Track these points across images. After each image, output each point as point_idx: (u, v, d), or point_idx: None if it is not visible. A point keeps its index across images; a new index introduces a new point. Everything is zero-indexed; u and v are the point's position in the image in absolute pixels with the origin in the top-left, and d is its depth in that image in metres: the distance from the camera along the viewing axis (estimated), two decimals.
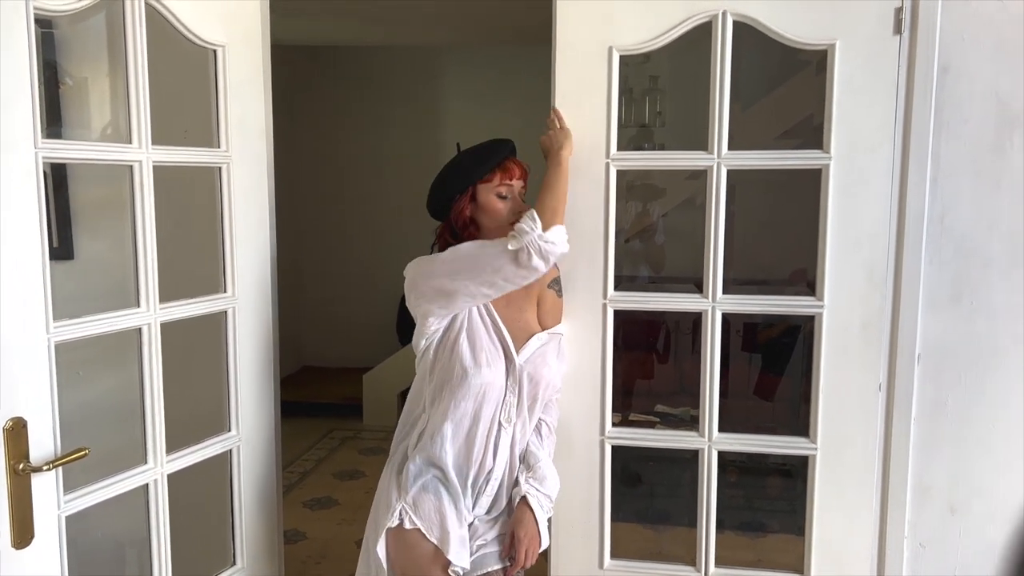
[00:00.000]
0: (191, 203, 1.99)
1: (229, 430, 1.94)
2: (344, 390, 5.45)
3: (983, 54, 1.72)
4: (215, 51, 1.84)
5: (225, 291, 1.91)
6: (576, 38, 1.85)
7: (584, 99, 1.85)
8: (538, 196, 1.73)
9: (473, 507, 1.76)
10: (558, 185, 1.74)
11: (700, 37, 1.81)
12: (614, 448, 1.94)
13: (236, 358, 1.93)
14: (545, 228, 1.64)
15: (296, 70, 5.66)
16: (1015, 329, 1.77)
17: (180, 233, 1.91)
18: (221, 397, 1.94)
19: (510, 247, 1.63)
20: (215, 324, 1.91)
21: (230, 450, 1.95)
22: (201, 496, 2.01)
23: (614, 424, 1.95)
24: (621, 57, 1.84)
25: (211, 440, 1.89)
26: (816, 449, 1.86)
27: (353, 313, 5.94)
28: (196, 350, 1.99)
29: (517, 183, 1.77)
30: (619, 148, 1.86)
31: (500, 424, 1.74)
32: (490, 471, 1.76)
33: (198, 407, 1.99)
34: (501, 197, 1.75)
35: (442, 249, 1.77)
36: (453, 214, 1.76)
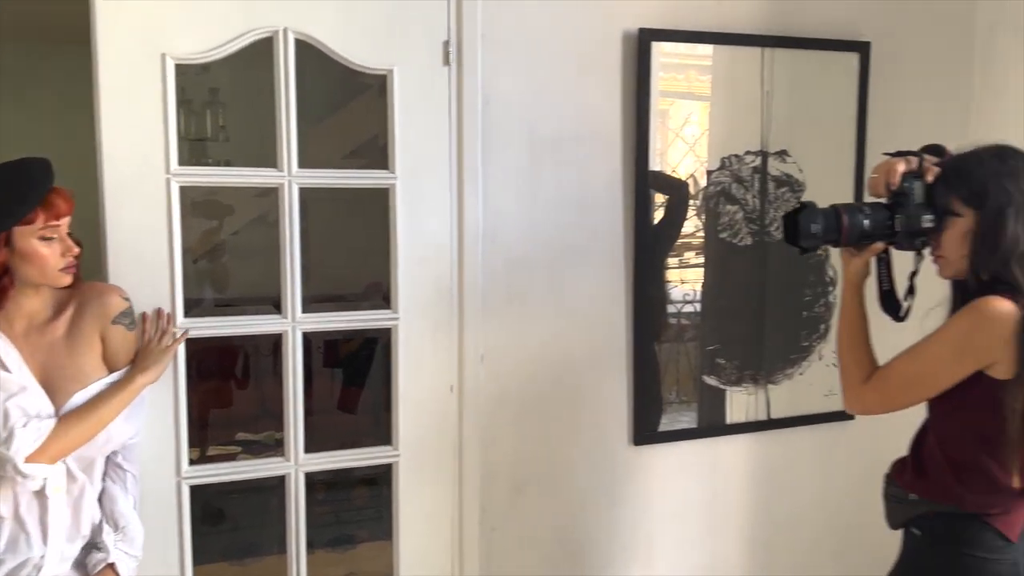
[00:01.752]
0: None
1: None
2: None
3: (517, 88, 1.97)
4: None
5: None
6: (122, 42, 1.66)
7: (135, 108, 1.68)
8: (82, 410, 1.47)
9: None
10: (109, 411, 1.49)
11: (264, 51, 1.77)
12: (193, 488, 1.79)
13: None
14: (39, 457, 1.41)
15: None
16: (555, 326, 2.06)
17: None
18: None
19: None
20: None
21: None
22: None
23: (192, 462, 1.80)
24: (177, 66, 1.71)
25: None
26: (399, 455, 1.94)
27: None
28: None
29: (65, 221, 1.47)
30: (180, 163, 1.73)
31: (45, 496, 1.46)
32: (41, 557, 1.48)
33: None
34: (46, 239, 1.44)
35: None
36: None
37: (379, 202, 1.91)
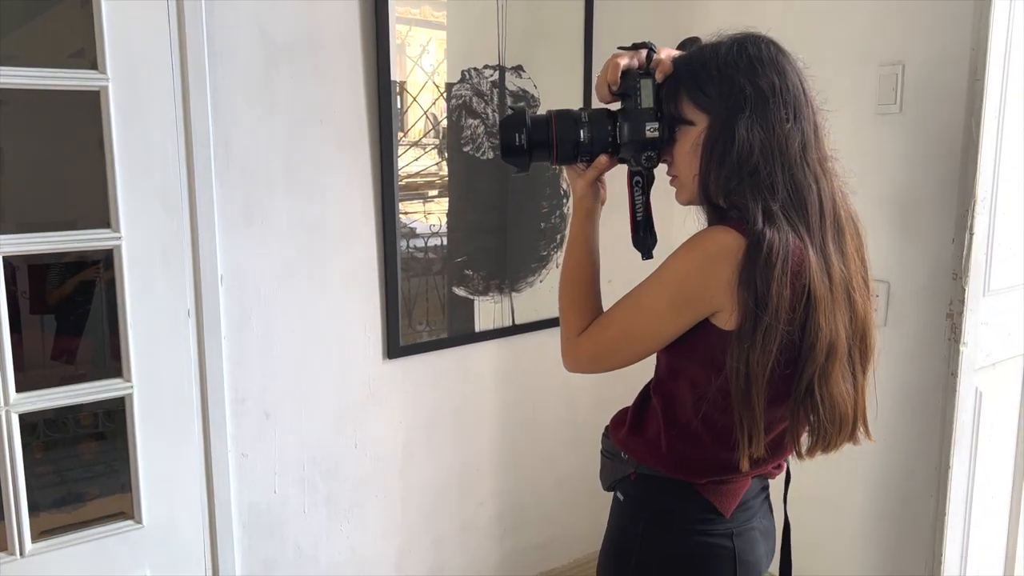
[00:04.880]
0: None
1: None
2: None
3: None
4: None
5: None
6: None
7: None
8: None
9: None
10: None
11: None
12: None
13: None
14: None
15: None
16: (300, 243, 1.99)
17: None
18: None
19: None
20: None
21: None
22: None
23: None
24: None
25: None
26: (132, 387, 1.79)
27: None
28: None
29: None
30: None
31: None
32: None
33: None
34: None
35: None
36: None
37: (94, 112, 1.69)
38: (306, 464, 2.08)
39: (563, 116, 1.20)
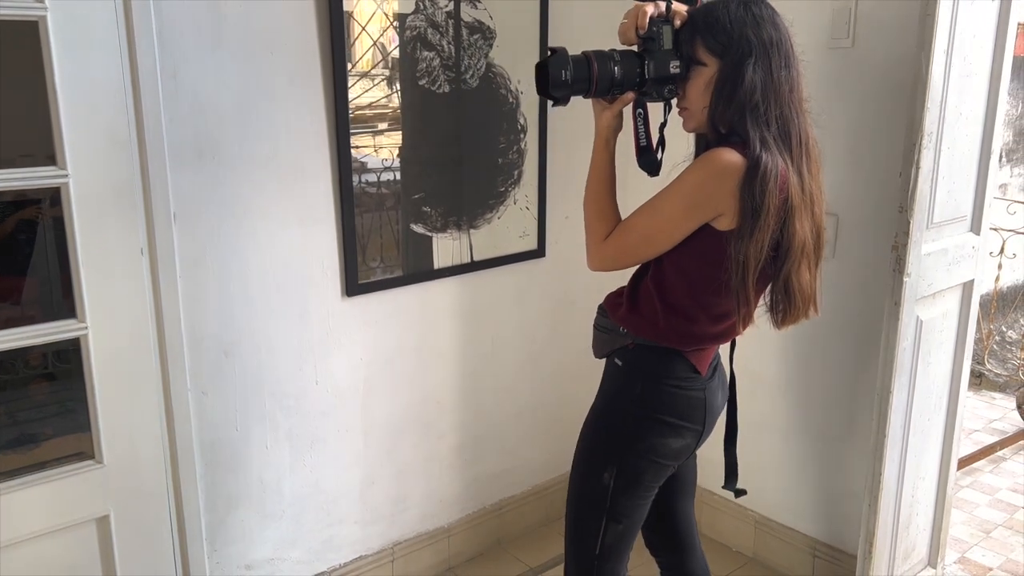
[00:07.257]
0: None
1: None
2: None
3: None
4: None
5: None
6: None
7: None
8: None
9: None
10: None
11: None
12: None
13: None
14: None
15: None
16: (253, 179, 1.95)
17: None
18: None
19: None
20: None
21: None
22: None
23: None
24: None
25: None
26: (87, 327, 1.76)
27: None
28: None
29: None
30: None
31: None
32: None
33: None
34: None
35: None
36: None
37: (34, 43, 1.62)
38: (267, 401, 2.09)
39: (600, 56, 1.41)
